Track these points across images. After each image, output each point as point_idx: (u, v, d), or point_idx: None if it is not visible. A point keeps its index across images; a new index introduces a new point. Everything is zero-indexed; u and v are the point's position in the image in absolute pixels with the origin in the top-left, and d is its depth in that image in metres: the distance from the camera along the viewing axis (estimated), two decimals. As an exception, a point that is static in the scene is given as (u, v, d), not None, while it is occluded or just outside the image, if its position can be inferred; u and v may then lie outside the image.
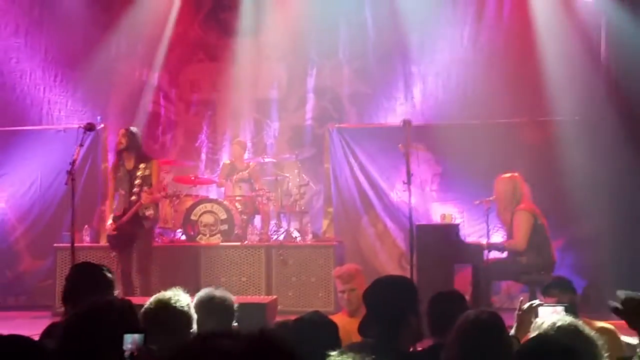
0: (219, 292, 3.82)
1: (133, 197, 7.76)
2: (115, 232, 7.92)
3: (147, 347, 2.62)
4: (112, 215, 8.02)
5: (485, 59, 10.29)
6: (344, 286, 5.49)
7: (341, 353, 2.40)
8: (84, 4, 11.23)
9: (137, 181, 7.78)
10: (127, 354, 2.60)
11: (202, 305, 3.70)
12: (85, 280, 3.91)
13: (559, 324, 3.08)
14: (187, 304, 3.41)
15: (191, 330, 3.37)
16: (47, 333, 3.59)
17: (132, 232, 7.89)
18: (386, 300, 3.63)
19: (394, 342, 3.54)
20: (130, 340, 2.61)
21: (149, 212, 7.96)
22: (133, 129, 8.30)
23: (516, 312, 3.95)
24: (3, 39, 11.16)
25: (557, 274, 6.99)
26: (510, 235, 7.64)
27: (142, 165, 7.82)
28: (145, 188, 7.73)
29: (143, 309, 3.37)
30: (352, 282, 5.42)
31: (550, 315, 3.29)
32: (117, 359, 2.58)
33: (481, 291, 7.44)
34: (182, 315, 3.36)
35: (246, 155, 10.71)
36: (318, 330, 3.32)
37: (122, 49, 11.40)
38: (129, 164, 7.90)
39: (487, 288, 7.59)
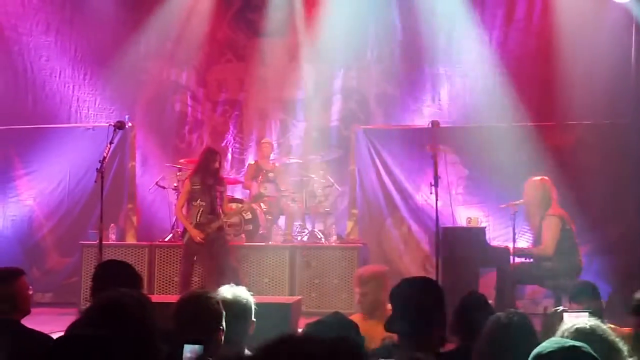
0: (230, 292, 3.82)
1: (218, 209, 8.47)
2: (203, 239, 8.30)
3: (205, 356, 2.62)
4: (191, 222, 8.38)
5: (513, 62, 10.23)
6: (357, 289, 5.43)
7: None
8: (114, 2, 11.33)
9: (218, 194, 8.45)
10: None
11: None
12: (113, 277, 3.95)
13: (578, 326, 3.06)
14: (218, 301, 3.48)
15: (220, 327, 3.41)
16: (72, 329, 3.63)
17: (219, 236, 8.46)
18: (413, 300, 3.62)
19: (421, 342, 3.53)
20: (190, 350, 2.61)
21: (231, 221, 9.25)
22: None
23: (541, 317, 3.93)
24: (34, 37, 11.30)
25: (583, 279, 6.93)
26: (537, 239, 7.58)
27: (220, 183, 8.58)
28: (222, 202, 8.57)
29: (176, 304, 3.43)
30: (365, 287, 5.30)
31: (574, 320, 3.27)
32: (132, 352, 2.59)
33: (505, 295, 7.40)
34: (213, 312, 3.42)
35: (272, 156, 10.74)
36: (340, 331, 3.32)
37: (150, 48, 11.48)
38: (210, 180, 8.39)
39: (511, 292, 7.54)
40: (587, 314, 3.51)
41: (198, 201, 8.38)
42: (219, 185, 8.49)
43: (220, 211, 8.46)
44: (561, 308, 3.83)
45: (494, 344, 2.98)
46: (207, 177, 8.38)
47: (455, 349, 3.77)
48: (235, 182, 10.75)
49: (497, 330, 2.98)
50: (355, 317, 5.28)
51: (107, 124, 7.34)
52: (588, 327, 3.05)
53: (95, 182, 6.96)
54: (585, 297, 4.46)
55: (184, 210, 8.49)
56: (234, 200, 9.79)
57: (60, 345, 2.25)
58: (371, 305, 5.21)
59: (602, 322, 3.24)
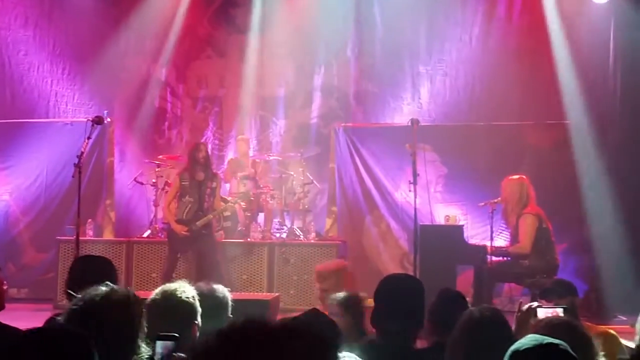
0: (206, 287, 3.80)
1: (207, 206, 8.46)
2: (187, 234, 8.34)
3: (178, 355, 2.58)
4: (176, 218, 8.42)
5: (494, 61, 10.28)
6: (318, 284, 5.41)
7: None
8: (94, -3, 11.26)
9: (208, 191, 8.44)
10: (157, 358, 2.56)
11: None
12: (90, 272, 3.91)
13: (552, 322, 3.07)
14: (192, 296, 3.45)
15: (195, 322, 3.39)
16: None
17: (204, 234, 8.46)
18: (402, 297, 3.61)
19: (406, 339, 3.54)
20: (162, 345, 2.57)
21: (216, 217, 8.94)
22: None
23: (515, 314, 3.94)
24: (12, 31, 11.21)
25: (558, 277, 6.98)
26: (514, 237, 7.63)
27: (212, 179, 8.53)
28: (213, 199, 8.55)
29: (149, 299, 3.39)
30: (324, 282, 5.28)
31: (548, 316, 3.28)
32: (118, 347, 2.57)
33: (483, 293, 7.44)
34: (187, 306, 3.38)
35: (251, 152, 10.71)
36: (317, 328, 3.30)
37: (130, 44, 11.40)
38: (200, 176, 8.41)
39: (489, 290, 7.59)
40: (561, 310, 3.53)
41: (187, 197, 8.39)
42: (211, 181, 8.47)
43: (209, 207, 8.44)
44: (535, 304, 3.83)
45: (467, 338, 2.98)
46: (196, 171, 8.37)
47: (430, 346, 3.77)
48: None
49: (469, 325, 2.98)
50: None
51: (85, 119, 7.29)
52: (562, 322, 3.06)
53: (73, 177, 6.93)
54: (557, 293, 4.48)
55: (173, 206, 8.47)
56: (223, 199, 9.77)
57: (30, 339, 2.21)
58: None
59: (577, 319, 3.26)
